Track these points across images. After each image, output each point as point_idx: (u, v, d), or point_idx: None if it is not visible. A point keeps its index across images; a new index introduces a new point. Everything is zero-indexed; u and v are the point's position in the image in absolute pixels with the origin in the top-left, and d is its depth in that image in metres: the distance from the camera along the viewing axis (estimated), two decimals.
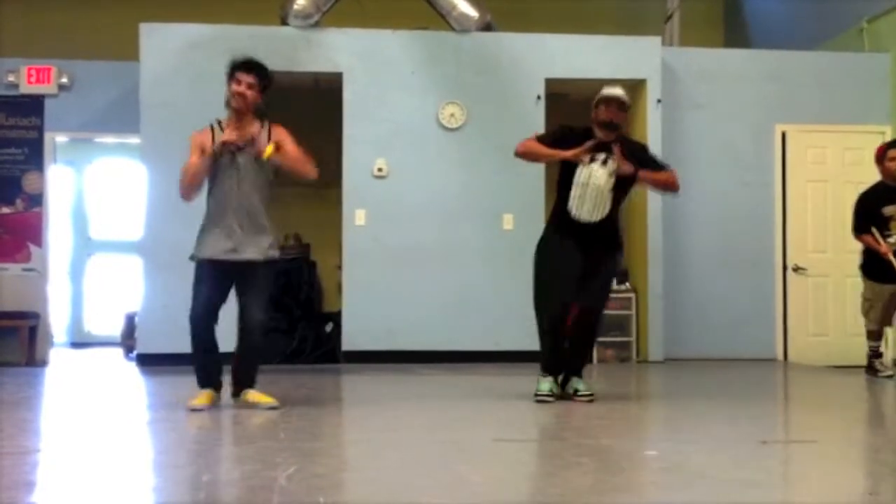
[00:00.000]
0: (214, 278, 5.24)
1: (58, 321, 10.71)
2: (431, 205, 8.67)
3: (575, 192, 5.60)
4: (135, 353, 8.72)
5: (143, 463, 4.05)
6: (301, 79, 8.77)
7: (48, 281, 9.25)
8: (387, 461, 3.95)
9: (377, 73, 8.77)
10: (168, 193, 8.39)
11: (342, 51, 8.73)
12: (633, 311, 8.92)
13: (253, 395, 5.35)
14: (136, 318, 8.80)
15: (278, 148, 5.21)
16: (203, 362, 5.28)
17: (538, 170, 8.71)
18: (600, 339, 8.71)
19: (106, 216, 12.03)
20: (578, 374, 5.81)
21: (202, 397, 5.25)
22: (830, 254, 9.21)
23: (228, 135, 5.21)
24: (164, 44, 8.54)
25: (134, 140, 8.81)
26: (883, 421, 5.55)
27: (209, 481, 3.49)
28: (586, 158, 5.57)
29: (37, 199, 9.11)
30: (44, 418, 5.60)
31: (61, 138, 9.39)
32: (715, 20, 11.85)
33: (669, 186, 5.86)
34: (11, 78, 9.04)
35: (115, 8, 10.22)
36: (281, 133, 5.33)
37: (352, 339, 8.53)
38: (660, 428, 5.23)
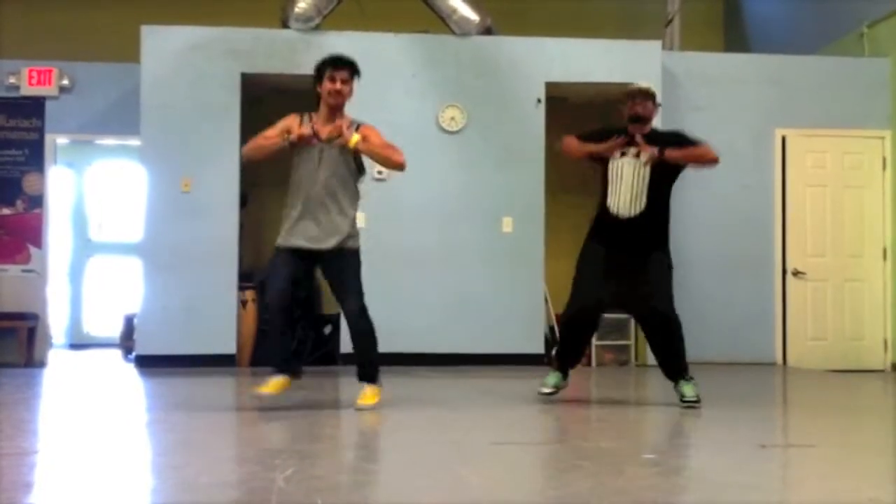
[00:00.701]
0: (292, 262, 5.26)
1: (57, 322, 10.71)
2: (431, 207, 8.68)
3: (611, 189, 5.64)
4: (134, 354, 8.71)
5: (141, 464, 4.05)
6: (301, 81, 8.72)
7: (47, 282, 9.25)
8: (386, 463, 3.95)
9: (377, 76, 8.75)
10: (168, 195, 8.46)
11: (343, 53, 8.71)
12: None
13: (363, 394, 5.34)
14: (135, 320, 8.80)
15: (364, 139, 5.26)
16: (282, 345, 5.30)
17: (538, 173, 8.74)
18: (598, 342, 8.78)
19: (106, 218, 12.02)
20: (683, 376, 5.67)
21: (271, 385, 5.24)
22: (830, 258, 9.22)
23: (322, 130, 5.24)
24: (164, 46, 8.54)
25: (134, 142, 8.82)
26: (882, 425, 5.55)
27: (207, 483, 3.49)
28: (617, 153, 5.60)
29: (37, 201, 9.11)
30: (42, 419, 5.60)
31: (62, 140, 9.39)
32: (715, 24, 11.87)
33: (702, 158, 5.76)
34: (12, 79, 9.04)
35: (116, 10, 10.24)
36: (367, 129, 5.39)
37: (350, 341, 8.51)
38: (659, 431, 5.23)
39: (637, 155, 5.58)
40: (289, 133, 5.26)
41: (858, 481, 3.64)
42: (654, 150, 5.53)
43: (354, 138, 5.24)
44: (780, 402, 7.05)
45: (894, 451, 4.56)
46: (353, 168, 5.40)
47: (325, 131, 5.26)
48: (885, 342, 9.17)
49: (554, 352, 5.86)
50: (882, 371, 9.04)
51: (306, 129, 5.25)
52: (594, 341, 8.96)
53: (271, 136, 5.30)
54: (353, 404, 5.33)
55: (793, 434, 5.19)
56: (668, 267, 5.67)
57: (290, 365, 5.35)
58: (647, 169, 5.56)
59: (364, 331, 5.43)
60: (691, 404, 5.51)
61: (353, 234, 5.38)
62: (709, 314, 9.06)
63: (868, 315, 9.20)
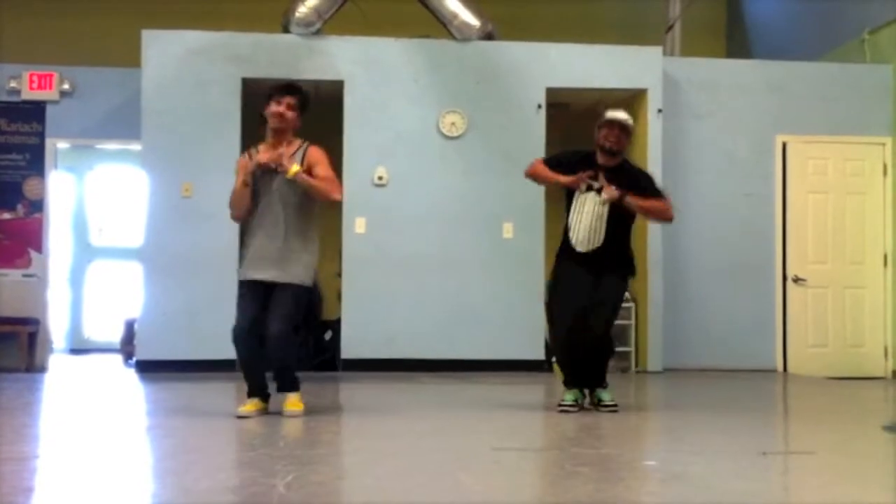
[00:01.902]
0: (252, 296, 5.35)
1: (57, 327, 10.72)
2: (431, 213, 8.68)
3: (572, 220, 5.68)
4: (134, 359, 8.71)
5: (141, 469, 4.04)
6: (302, 86, 8.76)
7: (48, 287, 9.24)
8: (385, 469, 3.94)
9: (378, 82, 8.78)
10: (169, 200, 8.46)
11: (343, 59, 8.75)
12: (633, 322, 8.92)
13: (287, 401, 5.44)
14: (136, 325, 8.80)
15: (308, 171, 5.30)
16: (247, 373, 5.39)
17: None
18: None
19: (106, 222, 12.03)
20: (601, 385, 5.80)
21: (249, 405, 5.34)
22: (830, 265, 9.21)
23: (261, 156, 5.32)
24: (166, 51, 8.55)
25: (135, 146, 8.83)
26: (882, 433, 5.55)
27: (207, 488, 3.48)
28: (583, 186, 5.61)
29: (37, 205, 9.11)
30: (43, 424, 5.60)
31: (62, 144, 9.40)
32: (716, 30, 11.87)
33: (660, 215, 5.89)
34: (13, 84, 9.05)
35: (118, 15, 10.26)
36: (315, 154, 5.42)
37: (351, 347, 8.52)
38: (659, 438, 5.22)
39: (599, 191, 5.58)
40: (244, 175, 5.35)
41: (859, 489, 3.64)
42: (615, 194, 5.53)
43: (293, 169, 5.25)
44: (781, 409, 7.04)
45: (895, 459, 4.55)
46: (306, 195, 5.40)
47: (262, 158, 5.29)
48: (886, 349, 9.16)
49: (562, 378, 5.85)
50: (883, 378, 9.03)
51: (250, 163, 5.31)
52: None
53: (238, 189, 5.39)
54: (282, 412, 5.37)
55: (793, 441, 5.18)
56: (621, 294, 5.79)
57: (257, 389, 5.39)
58: (606, 207, 5.58)
59: (279, 357, 5.41)
60: (612, 408, 5.65)
61: (305, 270, 5.36)
62: (709, 321, 9.06)
63: (869, 322, 9.19)
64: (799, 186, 9.24)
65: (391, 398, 6.65)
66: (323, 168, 5.40)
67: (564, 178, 5.67)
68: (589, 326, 5.61)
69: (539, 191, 8.64)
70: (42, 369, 8.88)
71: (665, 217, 5.89)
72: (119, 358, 9.92)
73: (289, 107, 5.36)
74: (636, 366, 8.95)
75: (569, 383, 5.77)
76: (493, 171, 8.73)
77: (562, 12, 10.84)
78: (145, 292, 8.43)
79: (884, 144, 9.24)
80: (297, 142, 5.44)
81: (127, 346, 9.62)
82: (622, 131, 5.62)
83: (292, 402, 5.41)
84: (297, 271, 5.35)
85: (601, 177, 5.58)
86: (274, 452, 4.18)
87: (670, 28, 10.36)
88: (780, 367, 9.11)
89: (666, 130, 8.93)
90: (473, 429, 5.12)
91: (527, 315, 8.67)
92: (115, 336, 10.37)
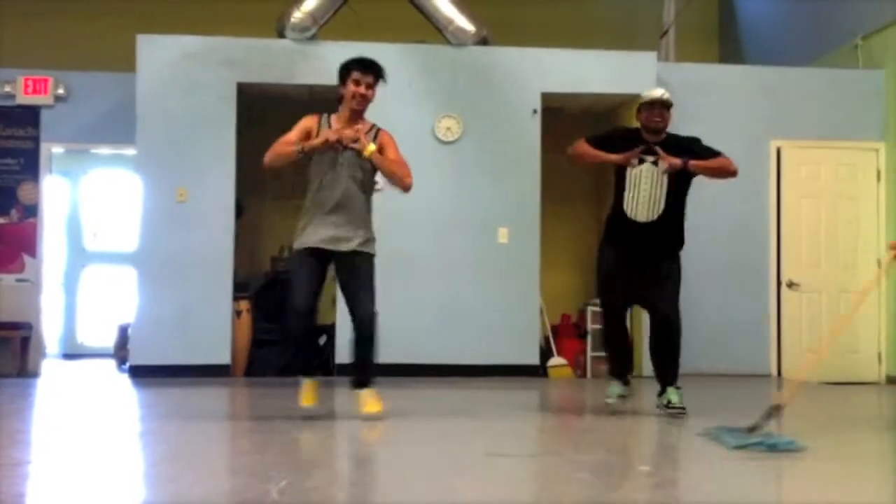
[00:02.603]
0: (313, 266, 5.25)
1: (51, 332, 10.68)
2: (427, 217, 8.67)
3: (628, 195, 5.69)
4: (127, 364, 8.69)
5: (134, 475, 4.03)
6: (297, 91, 8.78)
7: (42, 292, 9.22)
8: (379, 475, 3.94)
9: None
10: (163, 205, 8.45)
11: (338, 63, 8.70)
12: (628, 324, 8.89)
13: (364, 397, 5.31)
14: (129, 330, 8.78)
15: (380, 150, 5.27)
16: (302, 351, 5.33)
17: (533, 183, 8.74)
18: (593, 353, 8.78)
19: (101, 227, 12.00)
20: (671, 385, 5.77)
21: (308, 394, 5.25)
22: (824, 269, 9.22)
23: (331, 132, 5.21)
24: (160, 55, 8.55)
25: (130, 151, 8.81)
26: (876, 436, 5.55)
27: (201, 494, 3.47)
28: (635, 161, 5.63)
29: (32, 210, 9.10)
30: (35, 429, 5.58)
31: (57, 149, 9.38)
32: (710, 35, 11.90)
33: (725, 172, 5.88)
34: (8, 88, 9.04)
35: (112, 19, 10.25)
36: (385, 137, 5.41)
37: (345, 351, 8.50)
38: (654, 443, 5.22)
39: (655, 162, 5.61)
40: (308, 137, 5.25)
41: (851, 492, 3.64)
42: (677, 162, 5.57)
43: (370, 147, 5.23)
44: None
45: (887, 463, 4.56)
46: (371, 175, 5.40)
47: (343, 134, 5.22)
48: (880, 355, 9.17)
49: (608, 363, 5.92)
50: (876, 383, 9.04)
51: (332, 135, 5.20)
52: (588, 352, 8.99)
53: (291, 142, 5.25)
54: (358, 414, 5.28)
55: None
56: (678, 271, 5.83)
57: (311, 365, 5.36)
58: (666, 177, 5.62)
59: (370, 337, 5.39)
60: (679, 411, 5.62)
61: (371, 238, 5.40)
62: (703, 325, 9.03)
63: (862, 327, 9.19)
64: (792, 191, 9.26)
65: (385, 403, 6.63)
66: (394, 151, 5.39)
67: (615, 157, 5.68)
68: (656, 308, 5.70)
69: (535, 196, 8.66)
70: (35, 374, 8.86)
71: (730, 171, 5.86)
72: (112, 363, 9.89)
73: (368, 86, 5.33)
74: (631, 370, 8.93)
75: (615, 373, 5.84)
76: (489, 176, 8.74)
77: (557, 17, 10.86)
78: (139, 297, 8.41)
79: (877, 149, 9.26)
80: (369, 123, 5.39)
81: (120, 351, 9.59)
82: (663, 108, 5.71)
83: (372, 403, 5.26)
84: (372, 245, 5.34)
85: (660, 150, 5.62)
86: (267, 458, 4.17)
87: (664, 33, 10.38)
88: (774, 371, 9.11)
89: None
90: (468, 434, 5.11)
91: (522, 320, 8.67)
92: (109, 341, 10.34)
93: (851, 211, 9.24)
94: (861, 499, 3.55)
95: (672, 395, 5.72)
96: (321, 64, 8.72)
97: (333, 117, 5.41)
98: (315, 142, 5.22)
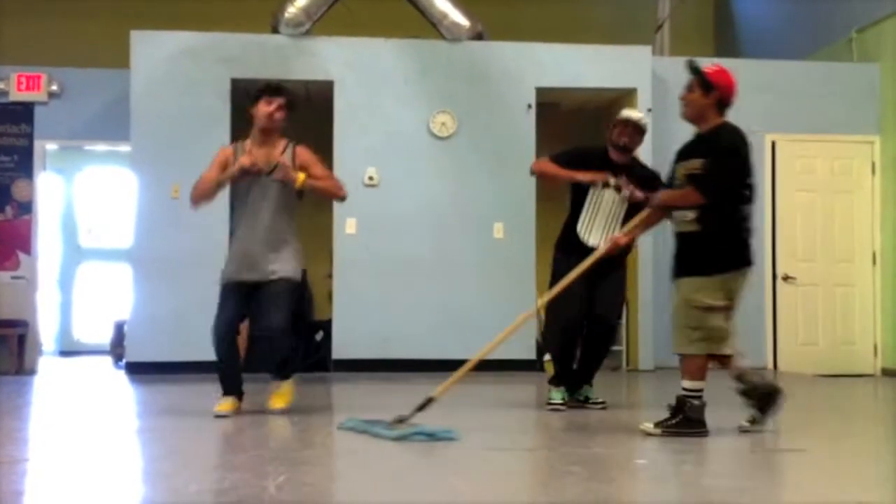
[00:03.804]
0: (236, 297, 5.38)
1: (47, 329, 10.67)
2: (422, 213, 8.67)
3: (585, 216, 5.68)
4: (124, 361, 8.69)
5: (131, 472, 4.03)
6: (291, 87, 8.73)
7: (37, 289, 9.21)
8: (376, 470, 3.94)
9: (368, 82, 8.77)
10: (158, 202, 8.44)
11: (333, 59, 8.74)
12: (623, 320, 8.91)
13: (271, 398, 5.51)
14: (126, 327, 8.77)
15: (304, 169, 5.37)
16: (227, 372, 5.41)
17: (529, 178, 8.70)
18: None
19: (95, 224, 11.99)
20: (589, 382, 5.89)
21: (227, 404, 5.35)
22: (820, 263, 9.24)
23: (248, 158, 5.30)
24: (155, 51, 8.53)
25: (124, 148, 8.80)
26: (872, 429, 5.57)
27: (198, 490, 3.47)
28: (600, 183, 5.62)
29: (26, 207, 9.08)
30: (32, 427, 5.57)
31: (51, 146, 9.37)
32: (705, 30, 11.90)
33: (688, 203, 5.85)
34: (2, 85, 9.02)
35: (106, 16, 10.23)
36: (305, 154, 5.48)
37: (342, 347, 8.52)
38: (650, 437, 5.22)
39: (618, 188, 5.60)
40: (226, 168, 5.38)
41: (848, 486, 3.65)
42: (640, 196, 5.52)
43: (301, 178, 5.32)
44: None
45: (884, 456, 4.57)
46: (293, 194, 5.44)
47: (250, 161, 5.28)
48: (875, 347, 9.20)
49: (552, 375, 5.87)
50: (872, 376, 9.06)
51: (246, 161, 5.28)
52: None
53: (211, 178, 5.40)
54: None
55: (783, 439, 5.19)
56: (623, 277, 5.90)
57: (234, 387, 5.44)
58: (625, 205, 5.63)
59: (284, 349, 5.52)
60: (601, 405, 5.79)
61: (296, 267, 5.47)
62: None
63: (858, 320, 9.23)
64: (787, 185, 9.27)
65: (382, 399, 6.64)
66: (319, 168, 5.49)
67: (584, 175, 5.67)
68: (599, 316, 5.72)
69: (530, 191, 8.65)
70: (31, 372, 8.85)
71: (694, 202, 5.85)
72: (109, 360, 9.89)
73: (279, 108, 5.41)
74: (627, 364, 8.96)
75: (558, 381, 5.79)
76: (484, 171, 8.74)
77: (551, 12, 10.85)
78: (135, 294, 8.41)
79: (872, 143, 9.27)
80: (283, 142, 5.48)
81: (117, 348, 9.59)
82: (636, 130, 5.71)
83: (281, 394, 5.45)
84: (289, 267, 5.42)
85: (623, 178, 5.62)
86: (265, 454, 4.17)
87: (659, 28, 10.38)
88: (770, 364, 9.14)
89: (655, 130, 8.86)
90: (464, 429, 5.11)
91: (517, 314, 8.62)
92: (105, 338, 10.34)
93: (846, 204, 9.27)
94: (857, 494, 3.56)
95: (589, 391, 5.87)
96: (316, 60, 8.72)
97: (248, 143, 5.48)
98: (231, 170, 5.34)
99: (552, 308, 5.77)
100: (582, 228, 5.69)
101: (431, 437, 4.42)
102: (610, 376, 8.56)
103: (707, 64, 5.22)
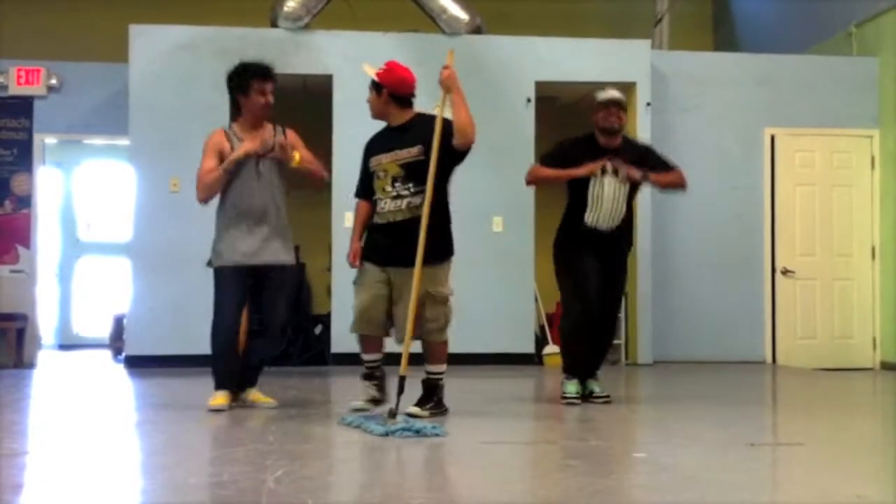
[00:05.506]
0: (238, 284, 5.30)
1: (46, 323, 10.67)
2: None
3: (591, 205, 5.64)
4: (123, 355, 8.69)
5: (131, 465, 4.04)
6: (290, 81, 8.73)
7: (36, 283, 9.21)
8: (375, 463, 3.95)
9: (366, 76, 8.74)
10: (157, 195, 8.43)
11: (332, 53, 8.73)
12: (623, 314, 8.92)
13: (255, 394, 5.52)
14: (125, 320, 8.78)
15: (297, 152, 5.38)
16: (226, 365, 5.36)
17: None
18: None
19: (94, 218, 11.99)
20: (594, 377, 5.87)
21: (222, 398, 5.31)
22: (819, 257, 9.25)
23: (252, 144, 5.28)
24: (153, 45, 8.52)
25: (123, 142, 8.79)
26: (870, 423, 5.58)
27: (197, 483, 3.48)
28: (598, 172, 5.61)
29: (25, 201, 9.08)
30: (32, 420, 5.58)
31: (50, 140, 9.36)
32: (704, 24, 11.89)
33: (678, 186, 5.90)
34: (1, 79, 9.01)
35: (104, 9, 10.21)
36: (292, 136, 5.48)
37: (341, 341, 8.49)
38: (649, 430, 5.24)
39: (615, 173, 5.59)
40: (223, 152, 5.33)
41: (846, 479, 3.66)
42: (638, 175, 5.57)
43: (297, 157, 5.32)
44: (770, 400, 7.07)
45: (882, 450, 4.58)
46: (284, 179, 5.44)
47: (258, 145, 5.28)
48: (874, 340, 9.21)
49: (562, 365, 5.87)
50: (871, 369, 9.08)
51: (253, 144, 5.27)
52: None
53: (213, 168, 5.30)
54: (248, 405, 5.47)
55: (782, 432, 5.21)
56: (625, 278, 6.00)
57: (231, 381, 5.41)
58: (626, 186, 5.63)
59: (277, 344, 5.57)
60: (605, 399, 5.74)
61: (291, 245, 5.48)
62: (698, 313, 9.09)
63: (857, 313, 9.24)
64: (787, 179, 9.27)
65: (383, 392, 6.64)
66: (305, 150, 5.50)
67: (581, 171, 5.64)
68: (604, 309, 5.72)
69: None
70: (31, 365, 8.86)
71: (683, 185, 5.88)
72: (108, 353, 9.89)
73: (271, 92, 5.46)
74: (626, 358, 8.97)
75: (572, 372, 5.77)
76: (483, 165, 8.68)
77: (550, 6, 10.83)
78: (134, 287, 8.41)
79: (871, 137, 9.27)
80: (270, 125, 5.46)
81: (116, 342, 9.59)
82: (619, 108, 5.67)
83: (262, 396, 5.51)
84: (291, 254, 5.43)
85: (618, 160, 5.61)
86: (264, 447, 4.18)
87: (658, 21, 10.37)
88: (769, 358, 9.15)
89: (654, 124, 8.93)
90: (462, 422, 5.12)
91: (516, 308, 8.68)
92: (104, 331, 10.34)
93: (846, 198, 9.27)
94: (855, 487, 3.57)
95: (595, 385, 5.83)
96: (314, 54, 8.71)
97: (235, 126, 5.47)
98: (237, 154, 5.28)
99: (570, 297, 5.76)
100: (591, 218, 5.65)
101: (419, 433, 4.41)
102: (609, 370, 8.57)
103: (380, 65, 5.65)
